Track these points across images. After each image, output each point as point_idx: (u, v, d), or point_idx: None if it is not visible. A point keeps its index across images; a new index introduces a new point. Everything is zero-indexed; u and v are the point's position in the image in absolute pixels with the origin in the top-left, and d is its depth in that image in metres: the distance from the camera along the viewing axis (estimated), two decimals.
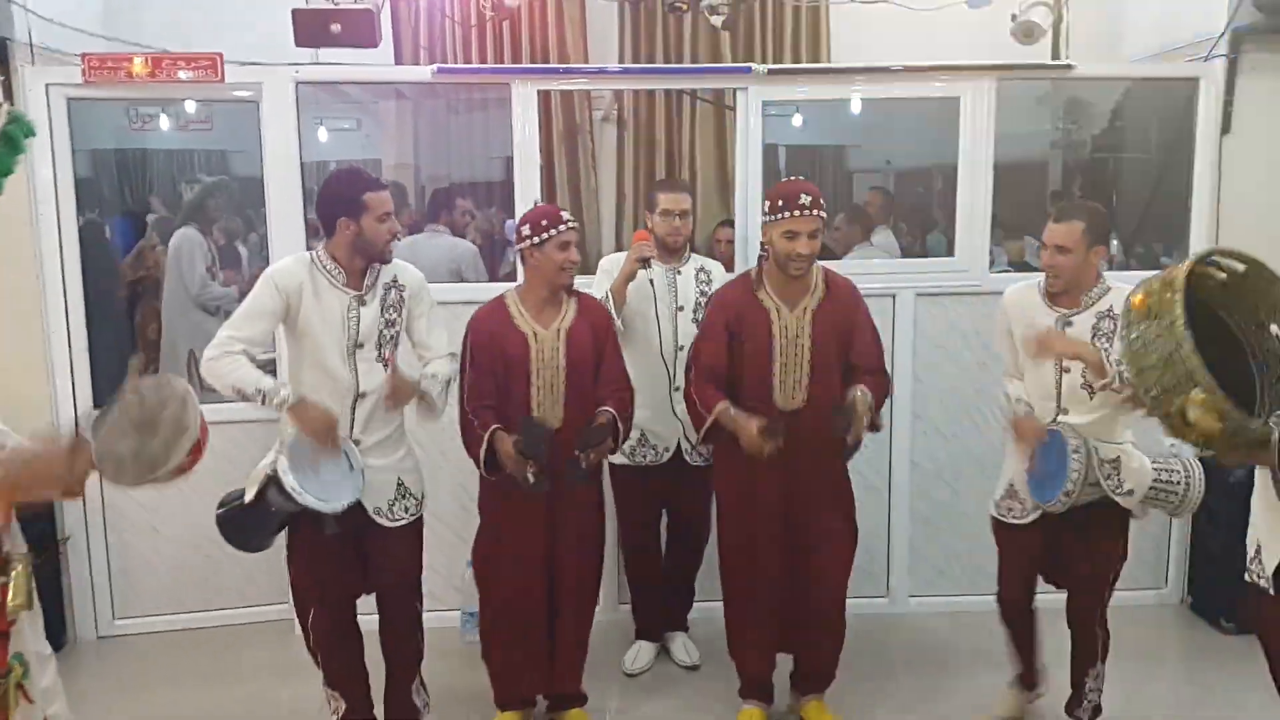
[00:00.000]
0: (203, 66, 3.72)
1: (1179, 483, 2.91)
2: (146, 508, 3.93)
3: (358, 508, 2.80)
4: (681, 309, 3.50)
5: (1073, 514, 2.89)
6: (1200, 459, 3.01)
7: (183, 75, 3.72)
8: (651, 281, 3.41)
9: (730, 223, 4.32)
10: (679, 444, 3.53)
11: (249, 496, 2.74)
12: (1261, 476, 2.27)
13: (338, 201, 2.78)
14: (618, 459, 3.49)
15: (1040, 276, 3.05)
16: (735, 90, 3.94)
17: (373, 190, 2.78)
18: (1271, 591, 2.29)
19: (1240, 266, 2.15)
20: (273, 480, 2.68)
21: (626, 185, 5.40)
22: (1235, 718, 3.36)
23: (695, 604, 3.88)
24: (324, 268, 2.83)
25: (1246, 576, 2.37)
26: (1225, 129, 3.95)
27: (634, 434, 3.43)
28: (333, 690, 3.02)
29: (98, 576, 3.97)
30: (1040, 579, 3.17)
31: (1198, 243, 4.03)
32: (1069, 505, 2.85)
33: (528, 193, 3.79)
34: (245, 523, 2.78)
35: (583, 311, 3.10)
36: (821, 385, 3.04)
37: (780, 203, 2.95)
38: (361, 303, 2.84)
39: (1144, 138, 5.42)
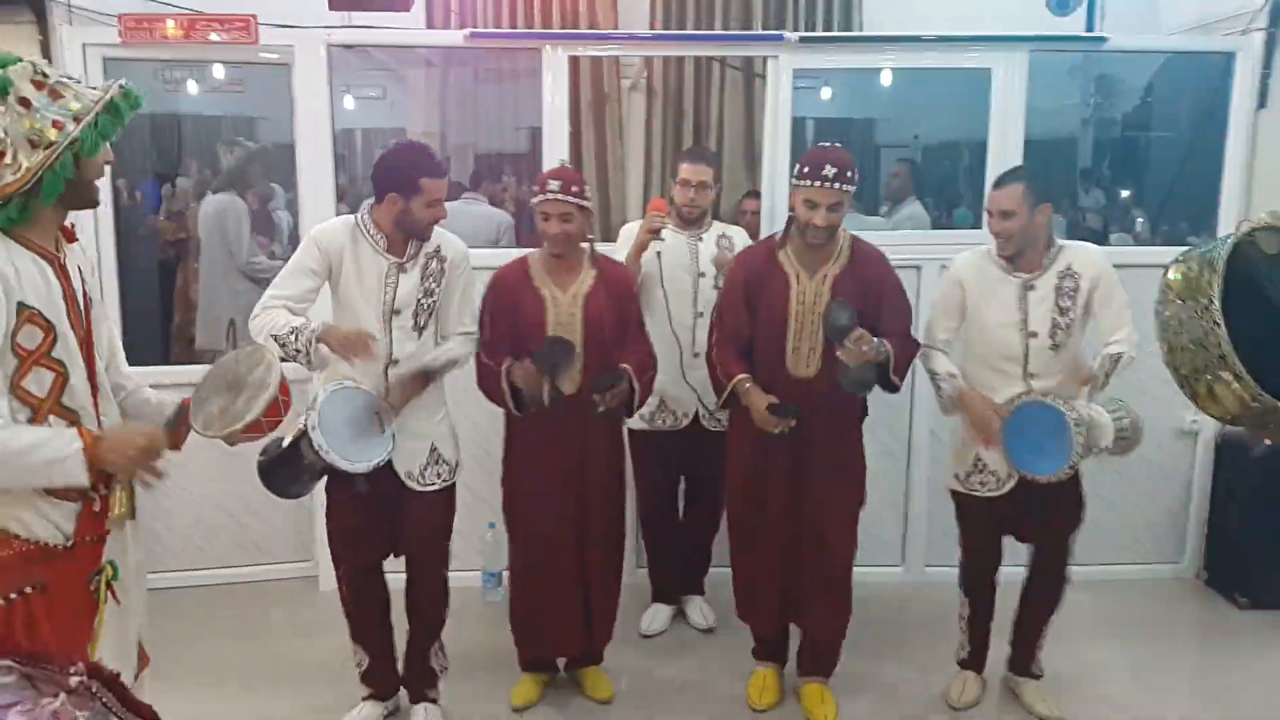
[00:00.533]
0: (236, 28, 3.76)
1: (1127, 426, 2.93)
2: (174, 463, 3.95)
3: (390, 470, 2.83)
4: (703, 275, 3.52)
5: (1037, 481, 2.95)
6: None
7: (215, 37, 3.77)
8: (659, 254, 3.43)
9: (756, 194, 4.32)
10: (697, 411, 3.56)
11: (286, 441, 2.76)
12: None
13: (394, 175, 2.78)
14: (636, 424, 3.54)
15: (990, 245, 3.06)
16: (766, 58, 3.94)
17: (431, 175, 2.77)
18: None
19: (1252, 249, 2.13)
20: (304, 435, 2.71)
21: (654, 154, 5.39)
22: (1249, 691, 3.37)
23: (712, 569, 3.92)
24: (367, 231, 2.83)
25: None
26: (1261, 104, 3.92)
27: (654, 400, 3.47)
28: (356, 644, 3.08)
29: None
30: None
31: (1226, 221, 4.01)
32: (1070, 474, 2.89)
33: (555, 160, 3.79)
34: (280, 471, 2.82)
35: (603, 277, 3.08)
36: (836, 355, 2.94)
37: (806, 169, 2.88)
38: (402, 269, 2.84)
39: (1174, 116, 5.39)
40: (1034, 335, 2.97)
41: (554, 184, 2.94)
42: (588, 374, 2.99)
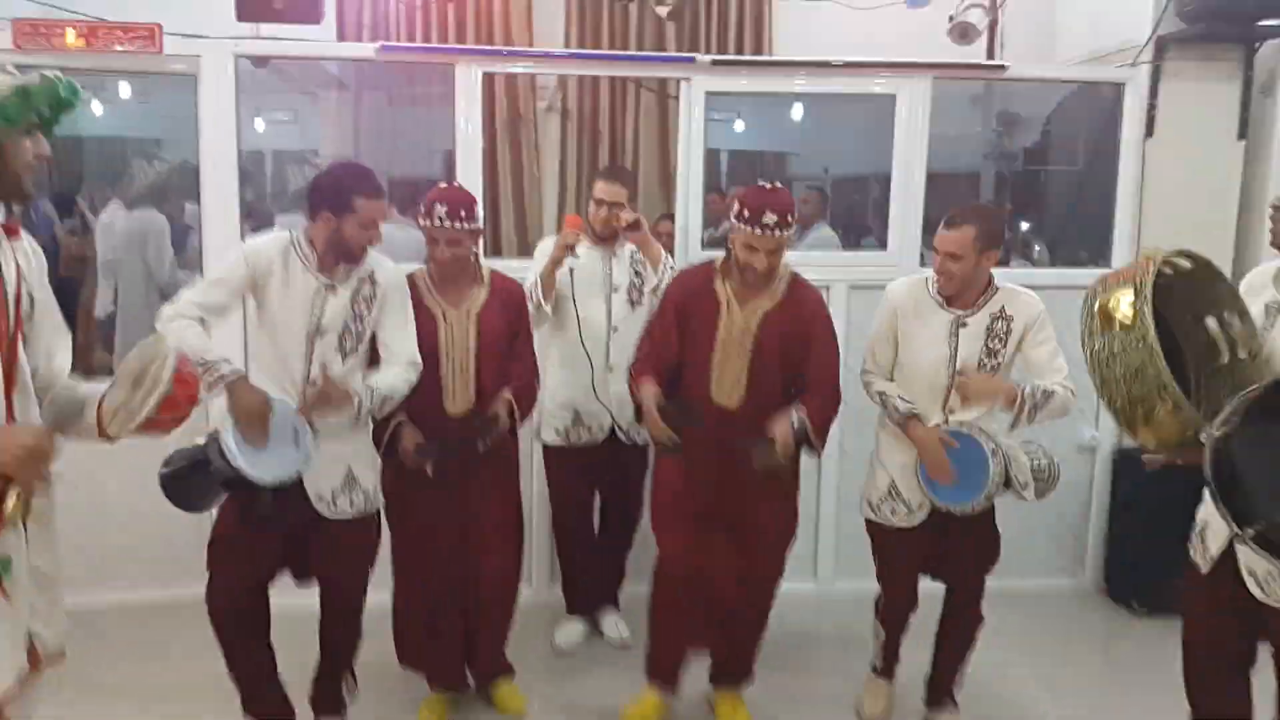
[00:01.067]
0: (140, 37, 3.66)
1: (1044, 467, 2.94)
2: (67, 482, 3.80)
3: (302, 497, 2.72)
4: (616, 290, 3.52)
5: (950, 513, 2.95)
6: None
7: (119, 46, 3.66)
8: (572, 270, 3.41)
9: (671, 216, 4.36)
10: (613, 426, 3.55)
11: (190, 450, 2.65)
12: None
13: (328, 193, 2.70)
14: (551, 439, 3.54)
15: (927, 273, 3.03)
16: (679, 80, 3.98)
17: (366, 196, 2.69)
18: (1204, 570, 2.43)
19: (1188, 264, 2.20)
20: (213, 440, 2.61)
21: (569, 175, 5.44)
22: (1148, 693, 3.39)
23: (628, 585, 3.90)
24: (299, 249, 2.75)
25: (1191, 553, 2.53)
26: (1149, 132, 4.11)
27: (568, 415, 3.48)
28: (233, 674, 2.86)
29: None
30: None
31: (1120, 246, 4.18)
32: (985, 507, 2.92)
33: (469, 180, 3.75)
34: (184, 479, 2.65)
35: (496, 292, 3.04)
36: (761, 389, 2.95)
37: (746, 214, 2.82)
38: (331, 290, 2.75)
39: (1073, 150, 5.59)
40: (960, 373, 2.92)
41: (440, 209, 2.89)
42: (480, 391, 2.98)
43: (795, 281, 3.00)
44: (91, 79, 6.39)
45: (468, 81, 3.79)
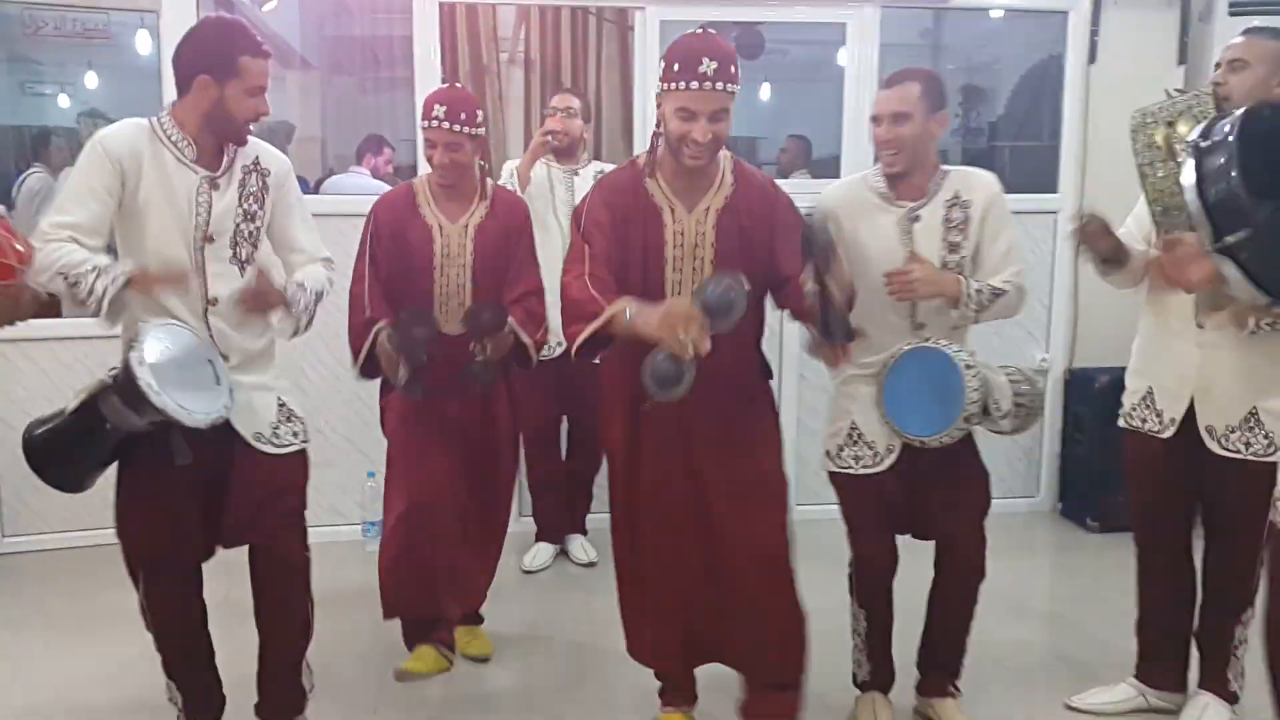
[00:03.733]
0: None
1: (1028, 394, 2.51)
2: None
3: (222, 439, 2.25)
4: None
5: (927, 453, 2.47)
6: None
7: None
8: (552, 187, 3.51)
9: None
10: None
11: (73, 405, 2.16)
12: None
13: (204, 54, 2.21)
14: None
15: (861, 174, 2.62)
16: (634, 10, 4.07)
17: (253, 55, 2.22)
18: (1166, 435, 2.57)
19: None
20: (112, 387, 2.10)
21: (534, 127, 5.47)
22: (1102, 604, 3.54)
23: (593, 515, 3.99)
24: (167, 137, 2.24)
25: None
26: (1091, 59, 4.23)
27: None
28: (170, 678, 2.46)
29: None
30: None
31: (1067, 169, 4.31)
32: (961, 435, 2.45)
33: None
34: (63, 444, 2.17)
35: (496, 209, 2.83)
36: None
37: (676, 67, 2.18)
38: (214, 186, 2.27)
39: (1038, 125, 5.70)
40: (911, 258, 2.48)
41: (439, 110, 2.63)
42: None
43: (739, 166, 2.42)
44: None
45: (425, 11, 3.86)
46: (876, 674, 2.71)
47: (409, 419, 2.82)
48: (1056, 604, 3.75)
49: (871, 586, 2.65)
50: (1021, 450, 4.48)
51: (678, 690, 2.62)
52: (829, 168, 4.87)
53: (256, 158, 2.36)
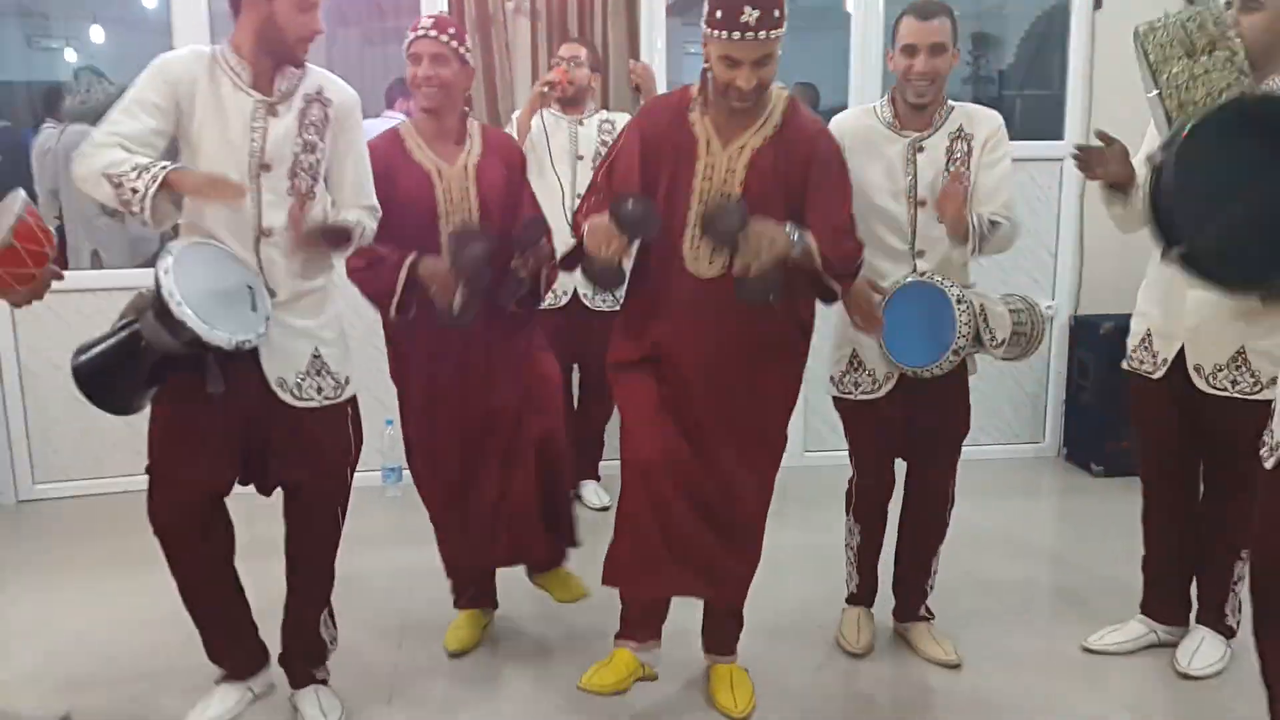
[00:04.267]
0: None
1: (1026, 322, 2.64)
2: (63, 370, 3.96)
3: (252, 377, 2.24)
4: (581, 158, 3.63)
5: (921, 382, 2.60)
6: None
7: None
8: (546, 132, 3.55)
9: None
10: (575, 288, 3.65)
11: (115, 325, 2.19)
12: None
13: None
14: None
15: (867, 105, 2.73)
16: None
17: None
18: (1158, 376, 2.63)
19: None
20: (146, 304, 2.10)
21: (540, 77, 5.48)
22: (1106, 541, 3.60)
23: (605, 462, 4.07)
24: (226, 63, 2.22)
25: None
26: (1097, 4, 4.23)
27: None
28: (193, 612, 2.41)
29: (15, 440, 4.02)
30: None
31: (1073, 115, 4.33)
32: (953, 365, 2.56)
33: None
34: (106, 365, 2.18)
35: (491, 145, 2.70)
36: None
37: (719, 14, 2.16)
38: (272, 112, 2.23)
39: (1048, 73, 5.68)
40: (922, 204, 2.59)
41: (427, 22, 2.56)
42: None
43: (792, 108, 2.38)
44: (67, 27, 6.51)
45: None
46: (863, 588, 2.92)
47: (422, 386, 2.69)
48: (1061, 546, 3.83)
49: (867, 503, 2.83)
50: (1027, 396, 4.55)
51: (642, 623, 2.59)
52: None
53: (320, 88, 2.31)
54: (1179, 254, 1.84)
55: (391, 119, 5.10)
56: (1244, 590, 2.65)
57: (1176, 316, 2.57)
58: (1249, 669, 2.19)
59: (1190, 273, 1.88)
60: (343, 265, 2.56)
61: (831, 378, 2.77)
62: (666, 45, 4.17)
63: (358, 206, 2.40)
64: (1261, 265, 1.86)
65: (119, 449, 4.09)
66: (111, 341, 2.15)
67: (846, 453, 2.88)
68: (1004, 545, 3.64)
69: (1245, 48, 2.26)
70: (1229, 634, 2.74)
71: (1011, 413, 4.56)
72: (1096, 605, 3.09)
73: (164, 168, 2.04)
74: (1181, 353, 2.58)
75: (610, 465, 4.11)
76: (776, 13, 2.16)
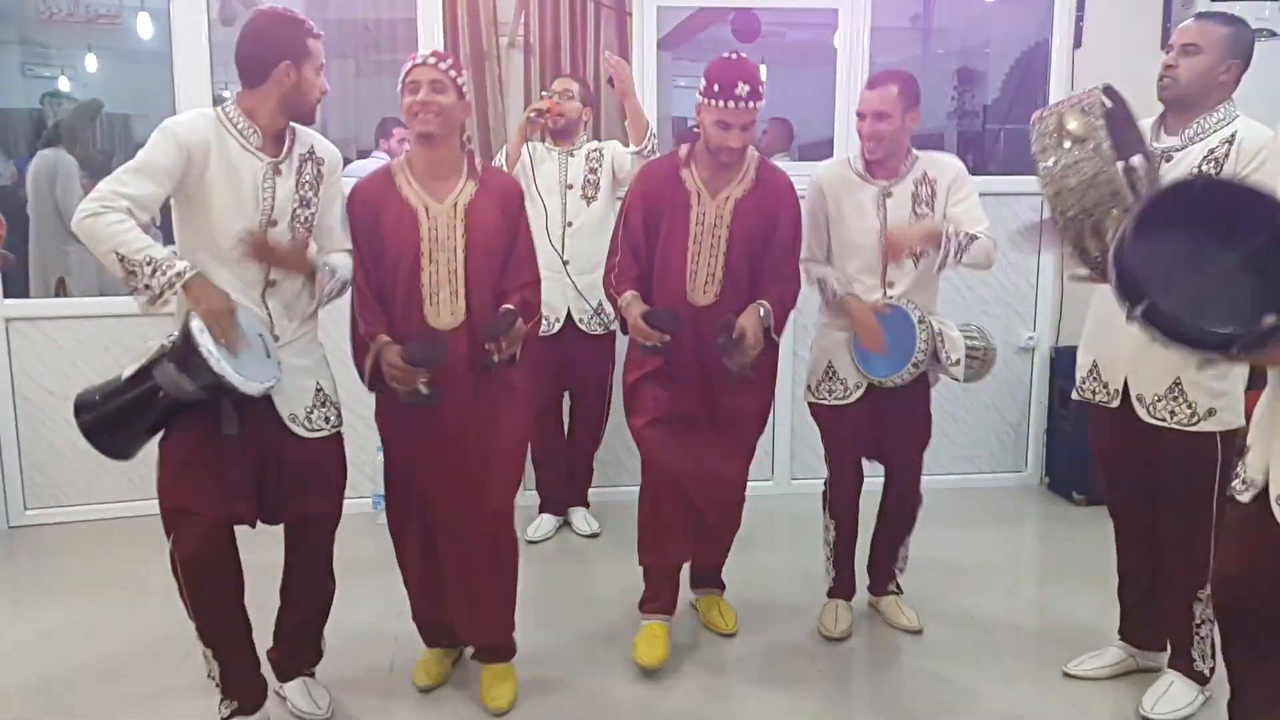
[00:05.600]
0: None
1: (980, 348, 3.07)
2: (57, 396, 4.02)
3: (265, 416, 2.39)
4: (571, 187, 3.71)
5: (888, 389, 2.98)
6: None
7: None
8: (534, 167, 3.64)
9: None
10: (568, 312, 3.72)
11: (128, 372, 2.26)
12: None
13: (280, 44, 2.35)
14: None
15: (847, 155, 3.10)
16: None
17: (314, 36, 2.40)
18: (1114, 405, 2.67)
19: (1109, 103, 2.31)
20: (169, 354, 2.20)
21: None
22: (1087, 569, 3.62)
23: (595, 489, 4.14)
24: (234, 126, 2.36)
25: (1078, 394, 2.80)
26: (1077, 43, 4.34)
27: None
28: (206, 645, 2.47)
29: (8, 466, 4.04)
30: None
31: None
32: (913, 377, 2.93)
33: None
34: (116, 411, 2.26)
35: (487, 185, 2.62)
36: (736, 282, 2.88)
37: (716, 87, 2.71)
38: (277, 171, 2.39)
39: (1031, 108, 5.80)
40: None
41: (423, 54, 2.61)
42: (470, 300, 2.57)
43: (763, 165, 2.95)
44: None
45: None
46: (839, 581, 3.26)
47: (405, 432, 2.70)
48: (1043, 574, 3.91)
49: (840, 501, 3.19)
50: (1010, 426, 4.62)
51: (665, 591, 3.07)
52: (824, 150, 4.98)
53: (311, 147, 2.50)
54: (1140, 313, 1.89)
55: (380, 158, 5.18)
56: (1209, 632, 2.63)
57: (1119, 345, 2.58)
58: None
59: (1152, 332, 1.93)
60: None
61: (809, 386, 3.15)
62: (657, 77, 4.27)
63: (343, 249, 2.58)
64: (1230, 324, 1.88)
65: (110, 475, 4.12)
66: (127, 398, 2.25)
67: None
68: (988, 575, 3.69)
69: (1178, 88, 2.40)
70: (1200, 680, 2.69)
71: (995, 442, 4.63)
72: (1077, 631, 3.14)
73: (179, 274, 2.19)
74: (1128, 383, 2.61)
75: (599, 492, 4.18)
76: (760, 87, 2.73)
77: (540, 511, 4.03)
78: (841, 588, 3.26)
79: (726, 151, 2.78)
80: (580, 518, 4.02)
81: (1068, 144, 2.18)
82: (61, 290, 5.00)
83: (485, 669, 2.81)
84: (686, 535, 2.99)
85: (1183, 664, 2.71)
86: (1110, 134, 2.17)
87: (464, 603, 2.72)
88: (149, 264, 2.16)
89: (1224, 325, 1.83)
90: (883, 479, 3.20)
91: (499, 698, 2.74)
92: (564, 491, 4.04)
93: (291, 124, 2.46)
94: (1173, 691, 2.68)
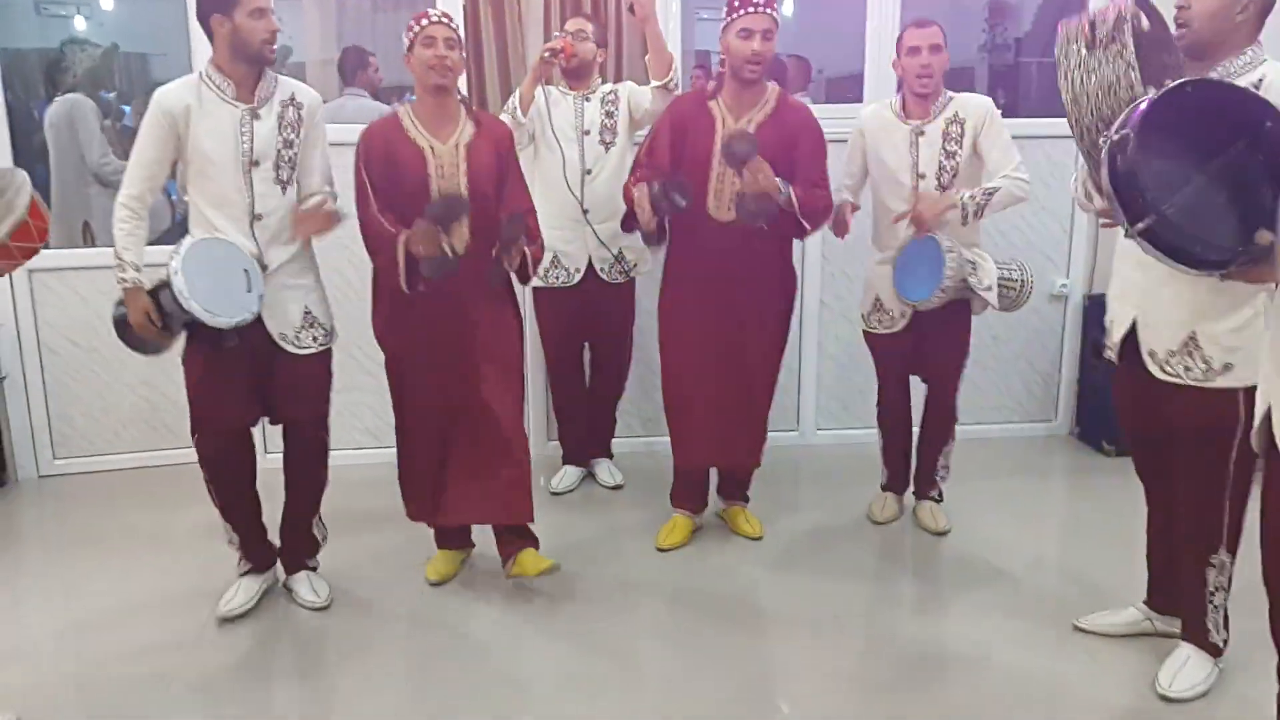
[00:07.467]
0: None
1: (1016, 280, 3.33)
2: (82, 348, 4.04)
3: (259, 334, 2.76)
4: (588, 133, 3.60)
5: (930, 316, 3.29)
6: None
7: None
8: (549, 110, 3.56)
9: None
10: (589, 262, 3.66)
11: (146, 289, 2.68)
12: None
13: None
14: (534, 280, 3.58)
15: (884, 100, 3.43)
16: None
17: None
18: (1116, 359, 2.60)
19: (1141, 15, 2.17)
20: (165, 284, 2.62)
21: None
22: (1115, 522, 3.58)
23: (620, 440, 4.13)
24: (211, 82, 2.71)
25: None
26: None
27: (547, 256, 3.51)
28: (225, 520, 2.98)
29: (36, 416, 4.07)
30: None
31: None
32: (942, 301, 3.20)
33: None
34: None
35: (483, 128, 2.97)
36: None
37: (736, 1, 3.03)
38: (255, 116, 2.73)
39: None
40: (922, 177, 3.25)
41: (434, 13, 2.87)
42: (473, 231, 2.87)
43: (783, 96, 3.21)
44: None
45: None
46: (891, 479, 3.71)
47: (408, 342, 3.01)
48: (1071, 526, 3.85)
49: (889, 415, 3.63)
50: (1040, 375, 4.54)
51: (692, 490, 3.51)
52: (852, 84, 4.92)
53: (293, 94, 2.81)
54: (1142, 229, 1.81)
55: (356, 95, 5.01)
56: (1222, 601, 2.55)
57: (1124, 297, 2.51)
58: (1239, 690, 2.13)
59: (1154, 247, 1.84)
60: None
61: (862, 315, 3.53)
62: (681, 11, 4.15)
63: (325, 188, 2.92)
64: (1225, 238, 1.81)
65: (135, 425, 4.16)
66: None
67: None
68: (1015, 524, 3.65)
69: (1194, 33, 2.26)
70: (1214, 652, 2.59)
71: (1024, 391, 4.56)
72: (1102, 589, 3.10)
73: (122, 280, 2.64)
74: (1135, 337, 2.49)
75: (624, 443, 4.17)
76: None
77: (564, 463, 4.01)
78: (891, 482, 3.71)
79: (750, 67, 3.04)
80: (604, 469, 4.00)
81: (1091, 48, 2.09)
82: (88, 233, 4.98)
83: (519, 556, 3.07)
84: (710, 437, 3.31)
85: (1196, 635, 2.61)
86: (1136, 45, 2.05)
87: (479, 491, 3.01)
88: (118, 264, 2.66)
89: (1221, 240, 1.79)
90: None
91: (535, 565, 3.04)
92: (586, 442, 4.01)
93: (268, 71, 2.77)
94: (1189, 667, 2.58)
